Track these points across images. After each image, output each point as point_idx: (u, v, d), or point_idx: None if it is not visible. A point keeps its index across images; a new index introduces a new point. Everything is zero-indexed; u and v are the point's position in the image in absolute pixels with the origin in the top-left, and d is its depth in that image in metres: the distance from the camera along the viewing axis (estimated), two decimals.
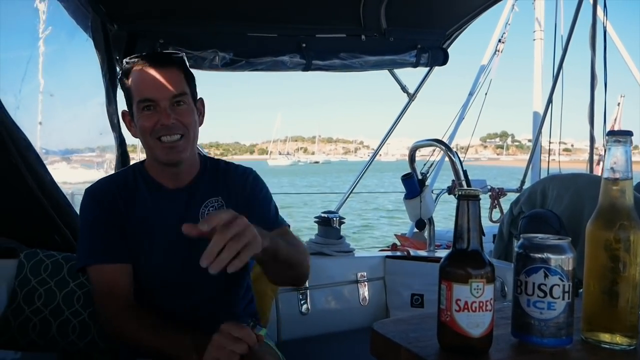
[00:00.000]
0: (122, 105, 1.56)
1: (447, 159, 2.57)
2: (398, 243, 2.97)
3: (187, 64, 1.51)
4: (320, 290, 2.31)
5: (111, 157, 2.32)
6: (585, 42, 3.96)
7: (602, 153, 4.06)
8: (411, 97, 3.30)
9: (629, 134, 0.87)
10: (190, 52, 2.40)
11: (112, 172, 1.96)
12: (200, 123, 1.54)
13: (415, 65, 2.91)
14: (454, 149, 2.75)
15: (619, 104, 9.57)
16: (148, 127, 1.42)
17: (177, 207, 1.51)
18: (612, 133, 0.89)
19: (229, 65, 2.51)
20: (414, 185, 2.61)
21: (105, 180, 1.59)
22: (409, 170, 2.66)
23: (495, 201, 3.99)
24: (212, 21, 2.50)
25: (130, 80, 1.45)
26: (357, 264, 2.44)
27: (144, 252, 1.47)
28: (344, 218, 2.51)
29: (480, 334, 0.82)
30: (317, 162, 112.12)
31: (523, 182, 4.64)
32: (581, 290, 0.92)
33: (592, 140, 4.13)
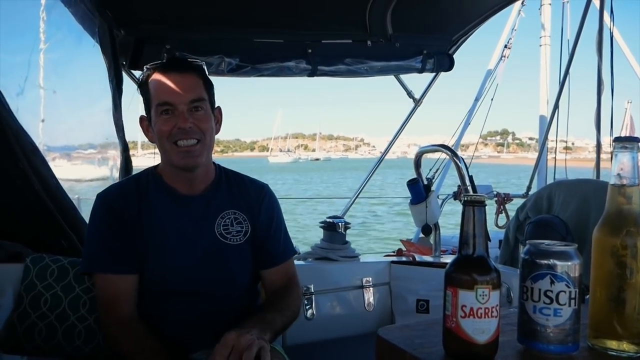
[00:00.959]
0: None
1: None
2: (404, 248, 2.96)
3: (207, 72, 1.53)
4: (325, 295, 2.30)
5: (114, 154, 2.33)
6: (590, 47, 3.95)
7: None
8: (417, 102, 3.30)
9: (636, 140, 0.87)
10: (197, 58, 2.41)
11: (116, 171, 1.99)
12: (217, 131, 1.55)
13: (421, 70, 2.91)
14: (453, 146, 2.74)
15: (626, 109, 9.53)
16: (165, 131, 1.43)
17: (190, 214, 1.51)
18: (619, 139, 0.89)
19: (234, 70, 2.52)
20: (419, 190, 2.60)
21: (117, 186, 1.60)
22: (409, 167, 2.66)
23: (501, 206, 3.99)
24: (218, 27, 2.51)
25: (149, 85, 1.47)
26: (362, 269, 2.43)
27: (154, 258, 1.47)
28: (349, 223, 2.50)
29: (486, 341, 0.82)
30: (317, 159, 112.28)
31: (529, 188, 4.63)
32: (587, 296, 0.91)
33: (598, 145, 4.11)
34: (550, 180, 4.87)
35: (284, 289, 1.56)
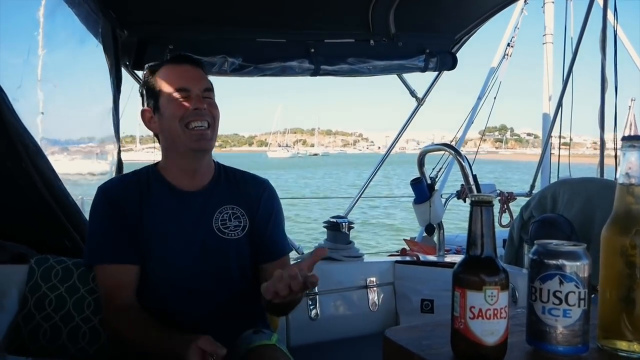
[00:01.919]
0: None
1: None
2: (407, 248, 2.95)
3: (210, 72, 1.61)
4: (330, 295, 2.30)
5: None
6: (593, 45, 3.94)
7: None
8: (420, 101, 3.28)
9: None
10: (200, 58, 2.41)
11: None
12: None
13: (423, 70, 2.90)
14: (452, 142, 2.74)
15: (629, 107, 9.49)
16: (179, 114, 1.46)
17: (191, 210, 1.52)
18: (627, 138, 0.87)
19: (237, 70, 2.52)
20: (423, 190, 2.60)
21: (118, 179, 1.62)
22: (408, 162, 2.66)
23: (505, 205, 3.97)
24: (221, 27, 2.51)
25: (158, 76, 1.51)
26: (366, 269, 2.43)
27: (155, 254, 1.48)
28: (353, 223, 2.50)
29: (495, 342, 0.81)
30: (316, 155, 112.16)
31: (533, 187, 4.62)
32: (593, 296, 0.90)
33: (602, 143, 4.09)
34: (554, 179, 4.86)
35: None
